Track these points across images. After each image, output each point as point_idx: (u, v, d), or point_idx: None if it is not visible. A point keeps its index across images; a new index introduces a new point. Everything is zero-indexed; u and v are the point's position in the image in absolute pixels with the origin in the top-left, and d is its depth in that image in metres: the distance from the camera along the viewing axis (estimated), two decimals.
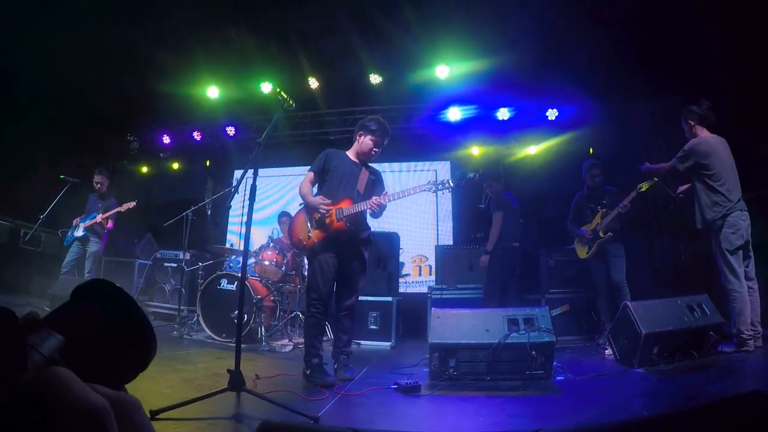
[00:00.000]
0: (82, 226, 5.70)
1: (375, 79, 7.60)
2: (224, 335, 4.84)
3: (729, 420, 0.92)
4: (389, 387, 3.02)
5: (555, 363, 3.53)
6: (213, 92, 7.70)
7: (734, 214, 3.67)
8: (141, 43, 6.76)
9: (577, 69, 6.04)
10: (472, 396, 2.82)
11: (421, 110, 7.95)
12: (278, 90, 3.12)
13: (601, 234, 4.67)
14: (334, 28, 6.79)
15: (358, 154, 3.64)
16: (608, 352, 3.81)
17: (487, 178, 5.71)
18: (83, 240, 5.72)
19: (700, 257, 4.74)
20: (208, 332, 4.90)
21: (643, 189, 4.33)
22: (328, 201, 3.40)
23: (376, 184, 3.64)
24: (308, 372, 3.24)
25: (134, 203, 5.71)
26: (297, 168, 8.39)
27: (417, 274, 8.47)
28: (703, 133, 3.94)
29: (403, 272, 8.35)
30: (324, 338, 3.62)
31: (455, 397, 2.83)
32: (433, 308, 3.83)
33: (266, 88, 7.63)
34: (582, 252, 4.91)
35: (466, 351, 3.33)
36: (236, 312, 4.88)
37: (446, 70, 7.08)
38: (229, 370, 2.40)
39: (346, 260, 3.46)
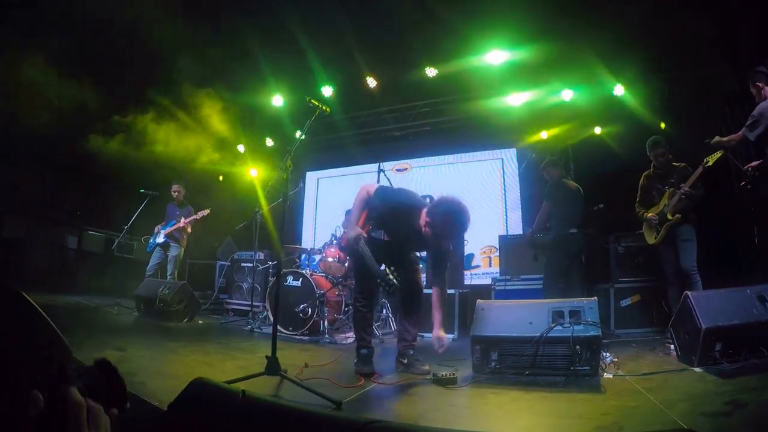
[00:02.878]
0: (162, 232, 6.30)
1: (431, 72, 7.53)
2: (290, 328, 5.15)
3: None
4: (425, 378, 3.07)
5: (609, 358, 3.32)
6: (277, 100, 8.10)
7: None
8: (214, 57, 7.31)
9: (638, 37, 5.49)
10: (505, 390, 2.76)
11: (479, 99, 7.76)
12: (308, 98, 3.25)
13: (669, 216, 4.20)
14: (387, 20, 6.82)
15: None
16: (672, 347, 3.48)
17: (546, 166, 5.51)
18: (164, 245, 6.33)
19: None
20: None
21: (709, 163, 3.84)
22: None
23: None
24: (355, 361, 3.40)
25: (208, 211, 6.25)
26: (361, 166, 8.71)
27: (487, 265, 8.27)
28: None
29: (473, 264, 8.22)
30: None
31: (487, 391, 2.78)
32: (478, 300, 3.81)
33: (327, 91, 7.89)
34: (650, 237, 4.46)
35: (507, 344, 3.26)
36: (301, 306, 5.22)
37: (501, 55, 6.82)
38: (267, 357, 2.61)
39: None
